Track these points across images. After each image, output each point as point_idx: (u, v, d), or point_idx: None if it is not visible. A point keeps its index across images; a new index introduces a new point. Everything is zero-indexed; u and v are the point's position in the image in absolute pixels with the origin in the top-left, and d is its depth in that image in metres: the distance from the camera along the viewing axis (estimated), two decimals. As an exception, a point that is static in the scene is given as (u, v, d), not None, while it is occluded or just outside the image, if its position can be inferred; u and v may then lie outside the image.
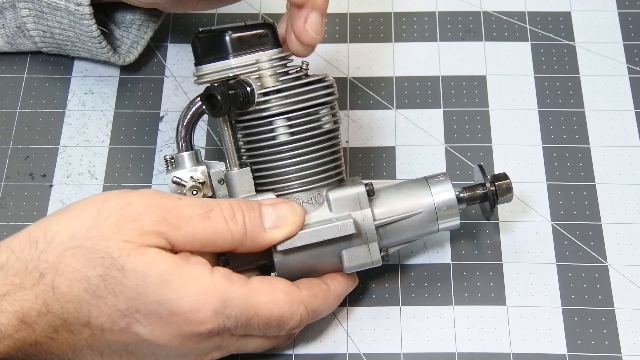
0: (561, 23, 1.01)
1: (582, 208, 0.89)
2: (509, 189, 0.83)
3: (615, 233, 0.88)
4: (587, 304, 0.84)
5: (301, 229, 0.77)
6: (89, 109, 0.96)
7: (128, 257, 0.71)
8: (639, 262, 0.86)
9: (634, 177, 0.91)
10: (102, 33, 0.92)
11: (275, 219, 0.76)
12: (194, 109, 0.81)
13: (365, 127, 0.94)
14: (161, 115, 0.95)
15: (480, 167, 0.84)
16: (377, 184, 0.81)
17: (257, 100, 0.77)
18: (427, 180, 0.81)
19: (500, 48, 0.99)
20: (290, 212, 0.77)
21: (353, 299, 0.85)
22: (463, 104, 0.96)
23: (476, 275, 0.86)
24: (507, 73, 0.98)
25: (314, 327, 0.83)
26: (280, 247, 0.77)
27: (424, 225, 0.81)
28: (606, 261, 0.87)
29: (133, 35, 0.96)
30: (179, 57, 0.99)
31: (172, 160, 0.81)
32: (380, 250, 0.79)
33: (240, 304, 0.73)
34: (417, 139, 0.93)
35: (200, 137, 0.93)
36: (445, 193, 0.81)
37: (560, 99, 0.96)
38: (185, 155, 0.81)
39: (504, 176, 0.83)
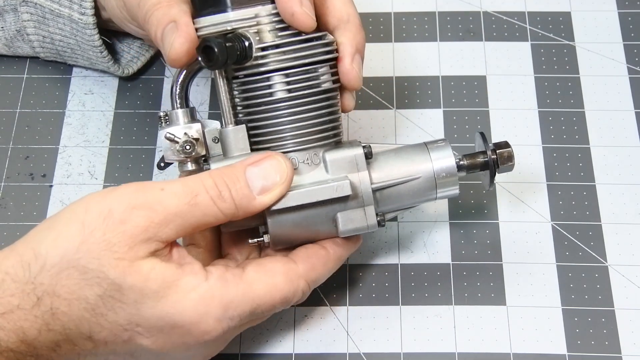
0: (561, 23, 1.01)
1: (582, 208, 0.89)
2: (510, 157, 0.81)
3: (615, 233, 0.88)
4: (587, 304, 0.84)
5: (294, 189, 0.75)
6: (89, 109, 0.96)
7: (124, 277, 0.70)
8: (639, 262, 0.86)
9: (634, 177, 0.91)
10: (104, 43, 0.92)
11: (262, 182, 0.74)
12: (189, 65, 0.79)
13: (365, 127, 0.94)
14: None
15: (482, 134, 0.82)
16: (376, 147, 0.79)
17: (254, 55, 0.75)
18: (426, 146, 0.80)
19: (500, 48, 0.99)
20: (277, 170, 0.74)
21: (353, 299, 0.85)
22: (463, 104, 0.96)
23: (476, 275, 0.86)
24: (507, 73, 0.98)
25: (314, 327, 0.83)
26: (274, 206, 0.75)
27: (422, 192, 0.79)
28: (606, 261, 0.87)
29: (134, 51, 0.96)
30: (179, 57, 0.99)
31: (166, 117, 0.79)
32: (377, 214, 0.78)
33: (241, 302, 0.73)
34: (417, 139, 0.93)
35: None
36: (445, 159, 0.79)
37: (560, 99, 0.96)
38: (180, 112, 0.78)
39: (505, 144, 0.81)
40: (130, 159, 0.93)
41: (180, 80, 0.79)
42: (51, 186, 0.91)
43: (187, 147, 0.77)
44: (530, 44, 1.00)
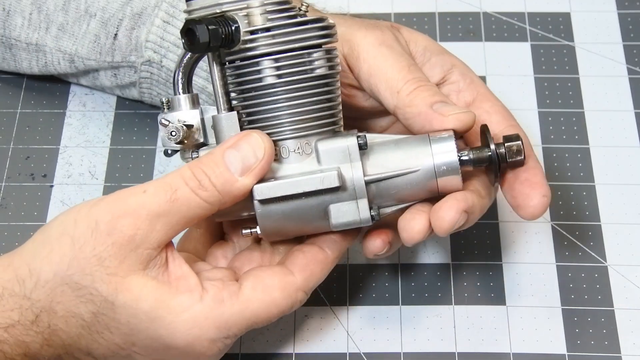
0: (561, 24, 1.01)
1: (581, 208, 0.90)
2: (519, 151, 0.75)
3: (615, 233, 0.88)
4: (587, 304, 0.84)
5: (281, 179, 0.73)
6: (90, 110, 0.96)
7: (117, 294, 0.70)
8: (639, 262, 0.86)
9: (634, 177, 0.91)
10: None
11: (242, 164, 0.72)
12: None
13: (365, 128, 0.95)
14: (162, 115, 0.95)
15: (485, 127, 0.77)
16: (376, 137, 0.76)
17: (243, 38, 0.72)
18: (429, 137, 0.75)
19: (500, 48, 1.00)
20: (255, 148, 0.72)
21: (353, 299, 0.85)
22: (463, 104, 0.96)
23: (476, 275, 0.86)
24: (507, 73, 0.98)
25: (314, 327, 0.83)
26: (257, 196, 0.73)
27: (420, 186, 0.75)
28: (606, 261, 0.87)
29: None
30: (179, 58, 0.99)
31: (169, 103, 0.77)
32: (371, 208, 0.74)
33: (237, 322, 0.72)
34: (417, 139, 0.93)
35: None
36: (447, 153, 0.74)
37: (559, 100, 0.96)
38: (181, 98, 0.76)
39: (516, 137, 0.76)
40: (131, 159, 0.93)
41: (182, 65, 0.77)
42: (52, 186, 0.92)
43: (173, 133, 0.75)
44: (530, 44, 1.00)
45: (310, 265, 0.75)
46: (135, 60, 0.88)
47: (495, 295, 0.85)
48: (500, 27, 1.01)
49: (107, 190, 0.91)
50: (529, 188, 0.75)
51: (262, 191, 0.73)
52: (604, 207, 0.90)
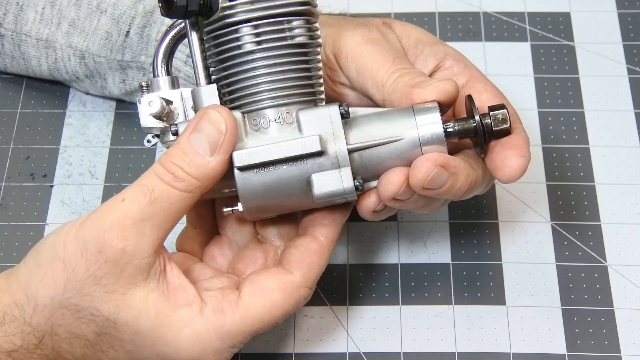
0: (561, 23, 1.01)
1: (581, 208, 0.90)
2: (505, 120, 0.74)
3: (615, 233, 0.88)
4: (587, 304, 0.84)
5: (261, 146, 0.71)
6: (90, 109, 0.96)
7: (118, 312, 0.69)
8: (639, 262, 0.87)
9: (634, 177, 0.91)
10: None
11: (208, 144, 0.70)
12: (172, 32, 0.76)
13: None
14: (162, 115, 0.95)
15: (469, 97, 0.75)
16: (359, 110, 0.75)
17: (221, 5, 0.71)
18: (412, 108, 0.74)
19: (500, 48, 1.00)
20: (216, 123, 0.71)
21: (353, 299, 0.85)
22: (463, 104, 0.96)
23: (476, 275, 0.86)
24: (507, 73, 0.98)
25: (314, 326, 0.83)
26: (237, 163, 0.71)
27: (405, 156, 0.73)
28: (605, 261, 0.87)
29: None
30: (179, 58, 0.99)
31: (148, 86, 0.76)
32: (354, 178, 0.73)
33: (239, 330, 0.71)
34: (417, 139, 0.93)
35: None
36: (432, 124, 0.73)
37: (559, 99, 0.96)
38: (161, 80, 0.76)
39: (500, 106, 0.75)
40: (131, 159, 0.93)
41: (162, 47, 0.76)
42: (52, 186, 0.92)
43: (150, 104, 0.74)
44: (530, 44, 1.00)
45: (306, 258, 0.74)
46: (145, 60, 0.88)
47: (495, 295, 0.85)
48: (500, 27, 1.01)
49: (107, 190, 0.91)
50: (508, 150, 0.74)
51: (242, 157, 0.71)
52: (604, 207, 0.90)
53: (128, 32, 0.88)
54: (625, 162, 0.92)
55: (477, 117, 0.73)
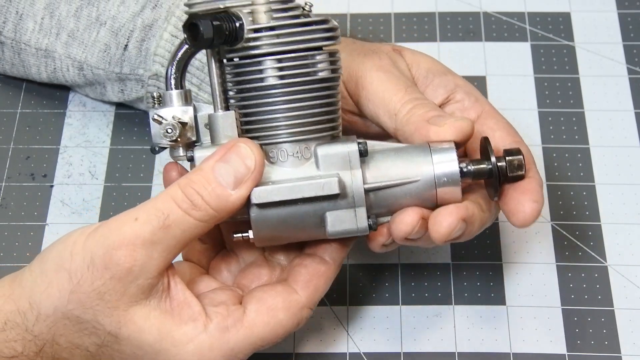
0: (561, 23, 1.01)
1: (581, 208, 0.90)
2: (520, 166, 0.73)
3: (615, 233, 0.88)
4: (587, 304, 0.84)
5: (279, 183, 0.71)
6: (90, 109, 0.96)
7: (120, 327, 0.69)
8: (639, 262, 0.87)
9: (634, 177, 0.91)
10: None
11: (233, 177, 0.69)
12: (187, 45, 0.74)
13: (365, 128, 0.95)
14: (162, 115, 0.95)
15: (486, 140, 0.75)
16: (376, 145, 0.74)
17: (246, 36, 0.70)
18: (429, 147, 0.74)
19: (500, 48, 1.00)
20: (245, 158, 0.70)
21: (353, 299, 0.85)
22: (463, 104, 0.96)
23: (476, 275, 0.86)
24: (507, 73, 0.98)
25: (314, 327, 0.83)
26: (255, 200, 0.70)
27: (419, 196, 0.73)
28: (606, 261, 0.87)
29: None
30: (179, 58, 0.99)
31: (160, 99, 0.74)
32: (369, 217, 0.73)
33: (243, 347, 0.71)
34: (417, 139, 0.93)
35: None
36: (448, 163, 0.72)
37: (559, 100, 0.96)
38: (174, 93, 0.74)
39: (517, 151, 0.74)
40: (131, 159, 0.93)
41: (176, 60, 0.75)
42: (52, 186, 0.92)
43: (169, 131, 0.73)
44: (530, 44, 1.00)
45: (313, 280, 0.74)
46: (143, 73, 0.88)
47: (495, 295, 0.85)
48: (500, 27, 1.01)
49: (107, 190, 0.91)
50: (521, 194, 0.74)
51: (260, 195, 0.71)
52: (604, 207, 0.90)
53: (126, 45, 0.87)
54: (625, 162, 0.92)
55: (493, 159, 0.73)
